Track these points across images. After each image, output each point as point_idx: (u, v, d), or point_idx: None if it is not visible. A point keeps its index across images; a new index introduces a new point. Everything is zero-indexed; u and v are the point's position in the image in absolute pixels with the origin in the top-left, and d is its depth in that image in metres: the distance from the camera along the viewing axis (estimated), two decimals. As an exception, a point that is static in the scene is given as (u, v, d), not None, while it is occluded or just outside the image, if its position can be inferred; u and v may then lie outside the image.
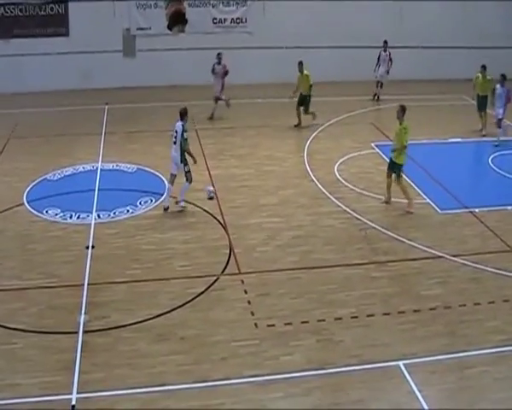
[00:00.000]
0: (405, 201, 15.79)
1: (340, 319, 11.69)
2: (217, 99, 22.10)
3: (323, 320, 11.63)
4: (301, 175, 17.66)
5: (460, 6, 26.79)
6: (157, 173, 17.28)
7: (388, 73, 23.89)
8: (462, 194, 16.65)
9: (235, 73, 24.68)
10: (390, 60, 23.70)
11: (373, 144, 19.75)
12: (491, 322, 11.78)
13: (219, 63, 21.94)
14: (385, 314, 11.88)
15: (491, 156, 18.99)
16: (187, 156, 15.40)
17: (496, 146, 19.67)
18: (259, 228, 14.85)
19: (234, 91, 23.65)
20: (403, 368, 10.52)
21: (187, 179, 15.49)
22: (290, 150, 19.27)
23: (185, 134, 15.27)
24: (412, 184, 16.96)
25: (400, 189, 15.85)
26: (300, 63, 21.40)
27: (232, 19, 25.86)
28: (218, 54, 22.02)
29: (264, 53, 25.67)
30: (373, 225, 15.00)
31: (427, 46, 26.51)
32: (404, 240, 14.41)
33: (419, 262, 13.61)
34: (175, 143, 15.35)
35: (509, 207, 16.14)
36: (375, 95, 24.15)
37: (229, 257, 13.61)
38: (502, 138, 19.89)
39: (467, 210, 15.88)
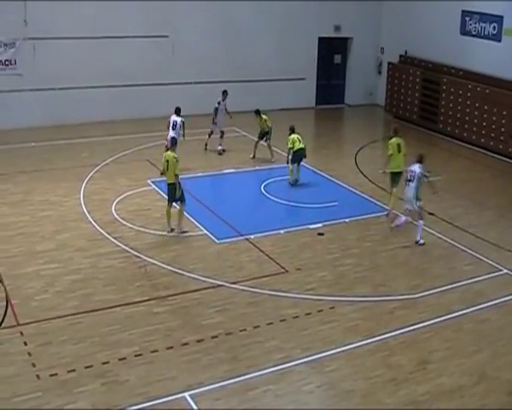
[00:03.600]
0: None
1: (124, 358, 11.62)
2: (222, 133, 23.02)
3: (107, 362, 11.49)
4: (78, 218, 17.34)
5: (227, 41, 27.91)
6: None
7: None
8: (237, 222, 17.27)
9: (5, 116, 23.98)
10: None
11: (149, 181, 19.88)
12: (271, 342, 12.33)
13: (224, 100, 23.02)
14: (168, 348, 11.99)
15: (264, 184, 19.88)
16: None
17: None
18: (37, 276, 14.38)
19: (4, 136, 22.92)
20: (189, 399, 10.72)
21: None
22: (66, 193, 18.86)
23: None
24: (189, 216, 17.31)
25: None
26: (257, 111, 22.52)
27: (0, 61, 24.88)
28: (224, 91, 23.12)
29: (36, 95, 25.00)
30: (152, 261, 15.11)
31: (199, 81, 27.24)
32: (183, 273, 14.66)
33: (199, 293, 13.90)
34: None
35: (282, 231, 17.00)
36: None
37: (6, 309, 13.02)
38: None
39: (243, 237, 16.48)
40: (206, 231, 16.70)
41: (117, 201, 18.40)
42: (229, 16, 27.71)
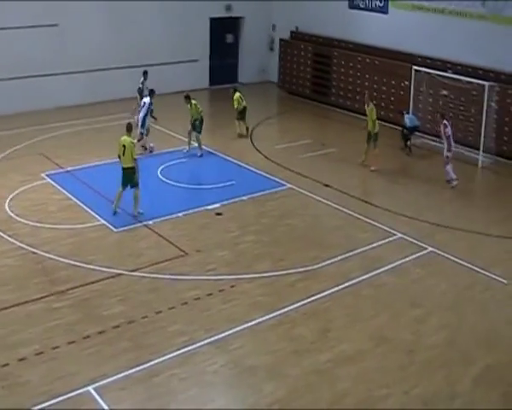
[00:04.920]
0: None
1: (24, 359, 11.34)
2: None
3: (7, 364, 11.18)
4: (-31, 218, 16.79)
5: (120, 26, 27.45)
6: None
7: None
8: (135, 209, 17.14)
9: None
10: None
11: (43, 174, 19.39)
12: (173, 326, 12.34)
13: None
14: (70, 343, 11.79)
15: (160, 168, 19.74)
16: None
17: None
18: None
19: None
20: (93, 392, 10.58)
21: None
22: (-44, 194, 18.19)
23: None
24: (85, 207, 17.10)
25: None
26: (187, 96, 21.68)
27: None
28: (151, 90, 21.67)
29: None
30: (50, 255, 14.77)
31: (90, 69, 26.69)
32: (82, 265, 14.42)
33: (99, 284, 13.71)
34: None
35: (181, 214, 16.98)
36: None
37: None
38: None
39: (141, 224, 16.37)
40: (103, 221, 16.47)
41: (10, 197, 17.81)
42: (119, 1, 27.20)
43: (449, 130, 19.40)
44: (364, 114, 25.28)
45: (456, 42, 23.61)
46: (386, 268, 14.61)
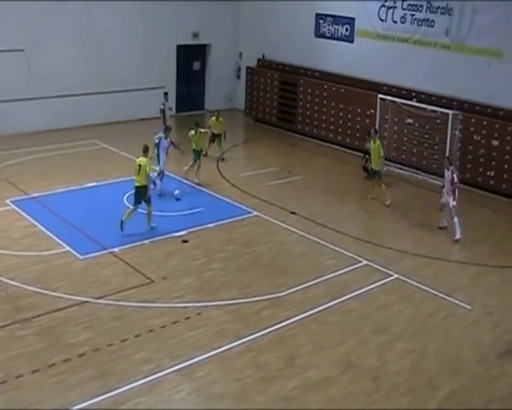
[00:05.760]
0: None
1: (-13, 388, 11.21)
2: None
3: (-30, 394, 11.05)
4: None
5: (87, 52, 27.45)
6: None
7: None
8: (101, 236, 16.97)
9: None
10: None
11: (8, 201, 19.20)
12: (139, 354, 12.25)
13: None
14: (35, 372, 11.62)
15: (126, 195, 19.63)
16: None
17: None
18: None
19: None
20: (58, 421, 10.47)
21: None
22: None
23: None
24: (50, 234, 16.94)
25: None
26: (197, 124, 21.86)
27: None
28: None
29: None
30: (14, 282, 14.58)
31: (57, 95, 26.57)
32: (47, 292, 14.25)
33: (64, 311, 13.57)
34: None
35: (147, 242, 16.93)
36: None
37: None
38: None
39: (107, 251, 16.27)
40: (68, 248, 16.31)
41: (-23, 224, 17.66)
42: (88, 27, 27.18)
43: (455, 176, 18.25)
44: (329, 141, 25.68)
45: (421, 71, 24.06)
46: (352, 295, 14.72)
